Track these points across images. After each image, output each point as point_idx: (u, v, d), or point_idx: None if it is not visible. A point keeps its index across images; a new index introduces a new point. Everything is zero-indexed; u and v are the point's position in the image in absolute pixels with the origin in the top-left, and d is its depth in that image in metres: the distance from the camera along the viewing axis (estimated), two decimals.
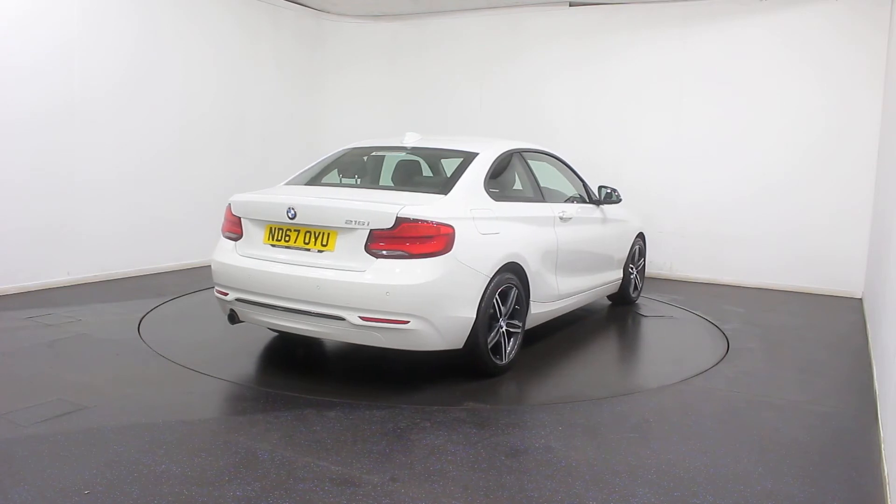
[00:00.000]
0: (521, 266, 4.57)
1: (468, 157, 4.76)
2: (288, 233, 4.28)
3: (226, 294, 4.49)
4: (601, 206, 5.98)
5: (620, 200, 6.15)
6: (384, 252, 4.00)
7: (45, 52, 6.42)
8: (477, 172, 4.65)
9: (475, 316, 4.18)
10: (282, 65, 9.19)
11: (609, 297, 6.66)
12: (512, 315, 4.57)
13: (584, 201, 5.83)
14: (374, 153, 5.40)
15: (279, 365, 4.83)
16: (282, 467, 3.11)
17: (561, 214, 5.23)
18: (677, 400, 4.31)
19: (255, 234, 4.41)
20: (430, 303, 3.98)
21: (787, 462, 3.37)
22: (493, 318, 4.38)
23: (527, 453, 3.36)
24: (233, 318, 4.56)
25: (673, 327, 6.14)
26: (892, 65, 6.55)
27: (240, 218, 4.50)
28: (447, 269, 4.02)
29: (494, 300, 4.33)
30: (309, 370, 4.77)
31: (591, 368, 5.06)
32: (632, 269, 6.69)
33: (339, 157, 5.33)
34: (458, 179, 4.56)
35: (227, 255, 4.49)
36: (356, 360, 4.84)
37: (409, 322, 3.95)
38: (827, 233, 7.70)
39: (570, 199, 5.71)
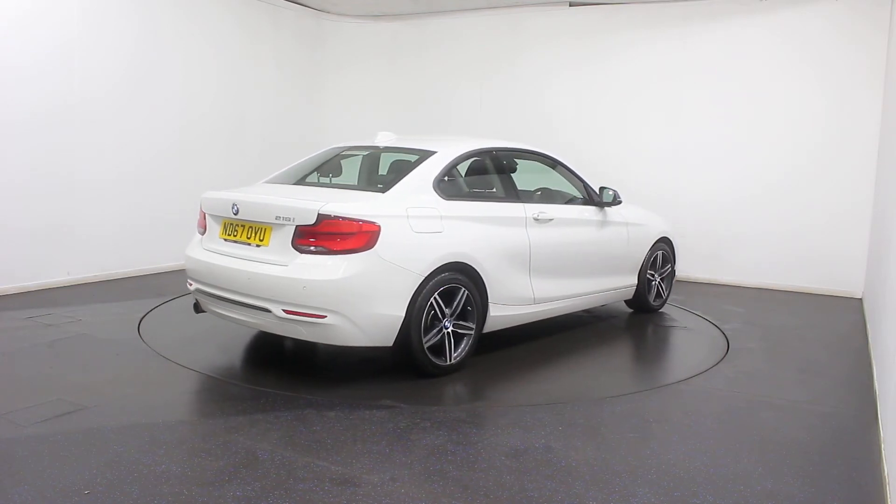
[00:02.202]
0: (471, 266, 4.51)
1: (423, 156, 4.77)
2: (236, 228, 4.48)
3: (191, 285, 4.75)
4: (605, 208, 5.78)
5: (620, 202, 5.91)
6: (307, 247, 4.09)
7: (44, 52, 6.41)
8: (426, 171, 4.64)
9: (404, 314, 4.16)
10: (282, 65, 9.19)
11: (628, 304, 6.45)
12: (464, 316, 4.53)
13: (584, 203, 5.70)
14: (348, 153, 5.43)
15: (279, 365, 4.83)
16: (282, 467, 3.11)
17: (536, 216, 5.07)
18: (677, 400, 4.31)
19: (214, 229, 4.66)
20: (347, 299, 4.00)
21: (787, 462, 3.37)
22: (437, 318, 4.36)
23: (527, 453, 3.36)
24: (196, 307, 4.85)
25: (673, 328, 6.13)
26: (892, 65, 6.55)
27: (205, 214, 4.75)
28: (367, 266, 4.03)
29: (433, 300, 4.29)
30: (309, 370, 4.77)
31: (590, 369, 5.05)
32: (652, 275, 6.36)
33: (318, 157, 5.41)
34: (402, 178, 4.59)
35: (194, 249, 4.74)
36: (355, 360, 4.83)
37: (326, 317, 4.01)
38: (827, 233, 7.70)
39: (571, 201, 5.65)
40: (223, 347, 5.07)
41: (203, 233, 4.77)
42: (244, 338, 5.23)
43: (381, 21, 9.82)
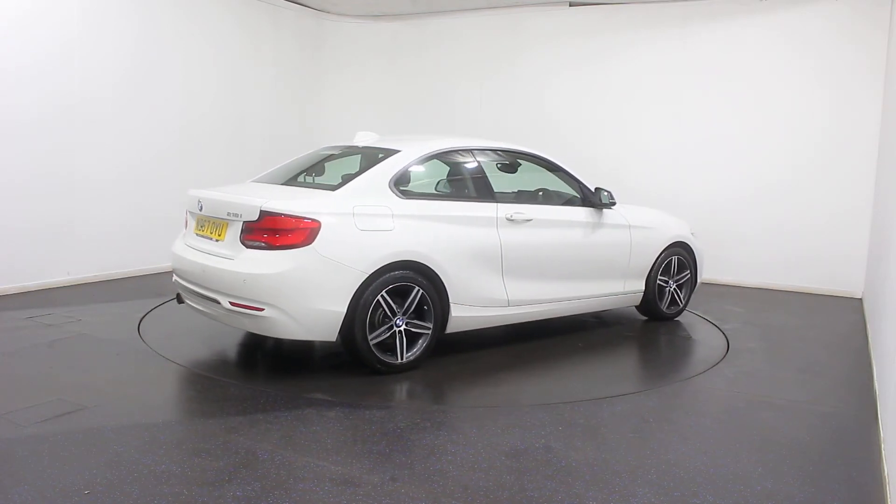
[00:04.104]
0: (426, 265, 4.48)
1: (386, 156, 4.81)
2: (204, 224, 4.68)
3: (174, 277, 4.98)
4: (603, 209, 5.59)
5: (614, 203, 5.69)
6: (252, 242, 4.25)
7: (45, 52, 6.41)
8: (383, 170, 4.67)
9: (345, 310, 4.20)
10: (282, 65, 9.19)
11: (640, 311, 6.19)
12: (422, 315, 4.53)
13: (580, 204, 5.54)
14: (329, 153, 5.43)
15: (279, 365, 4.84)
16: (282, 467, 3.11)
17: (510, 216, 4.96)
18: (677, 400, 4.32)
19: (191, 225, 4.87)
20: (283, 293, 4.11)
21: (787, 462, 3.37)
22: (388, 316, 4.38)
23: (527, 453, 3.36)
24: (178, 298, 4.99)
25: (673, 327, 6.11)
26: (892, 65, 6.55)
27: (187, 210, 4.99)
28: (305, 262, 4.12)
29: (381, 298, 4.31)
30: (309, 370, 4.76)
31: (591, 370, 5.05)
32: (665, 281, 6.06)
33: (305, 158, 5.46)
34: (356, 177, 4.65)
35: (176, 243, 4.97)
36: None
37: (264, 310, 4.14)
38: (827, 233, 7.70)
39: (571, 202, 5.54)
40: (223, 347, 5.07)
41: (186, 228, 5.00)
42: (244, 338, 5.23)
43: (381, 21, 9.83)
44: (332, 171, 5.33)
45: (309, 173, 5.21)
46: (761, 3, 7.83)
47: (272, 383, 4.28)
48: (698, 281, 6.42)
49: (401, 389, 4.27)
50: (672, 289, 6.17)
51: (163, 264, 7.59)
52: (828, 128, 7.64)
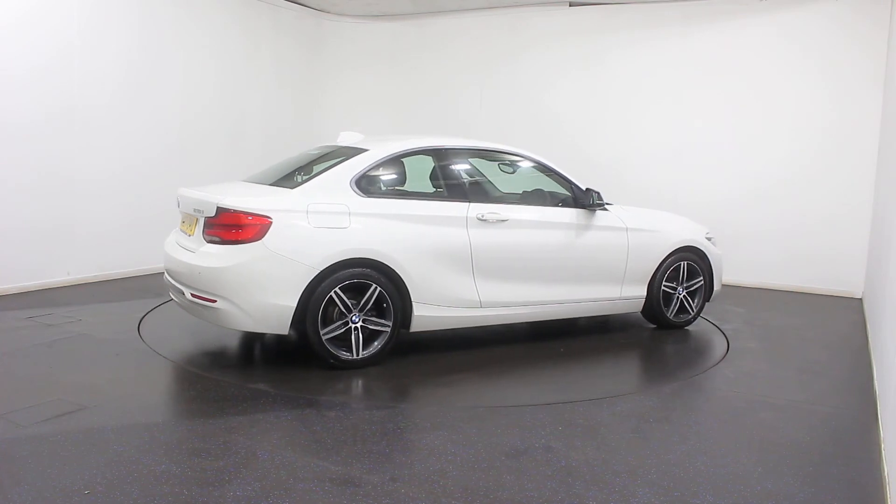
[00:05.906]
0: (385, 264, 4.49)
1: (351, 155, 4.86)
2: (185, 220, 4.89)
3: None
4: (597, 211, 5.42)
5: (602, 203, 5.42)
6: (211, 237, 4.44)
7: (45, 53, 6.41)
8: (345, 169, 4.73)
9: (295, 305, 4.29)
10: (281, 65, 9.19)
11: (646, 318, 5.97)
12: (381, 313, 4.55)
13: (570, 206, 5.40)
14: (319, 153, 5.41)
15: (279, 365, 4.83)
16: (282, 467, 3.11)
17: (481, 216, 4.89)
18: (677, 400, 4.32)
19: (179, 222, 5.07)
20: (233, 286, 4.27)
21: (787, 462, 3.37)
22: (344, 312, 4.43)
23: (527, 453, 3.36)
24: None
25: (677, 335, 6.10)
26: (892, 64, 6.56)
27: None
28: (254, 257, 4.25)
29: (334, 294, 4.36)
30: (310, 371, 4.76)
31: (591, 370, 5.05)
32: (673, 287, 5.81)
33: (294, 158, 5.51)
34: (316, 176, 4.75)
35: (167, 239, 5.13)
36: None
37: (216, 302, 4.32)
38: (827, 232, 7.70)
39: (565, 203, 5.41)
40: (223, 347, 5.07)
41: None
42: (243, 338, 5.23)
43: (380, 21, 9.83)
44: (318, 171, 5.34)
45: (298, 173, 5.21)
46: (761, 3, 7.84)
47: (273, 383, 4.27)
48: (715, 288, 6.06)
49: (401, 391, 4.27)
50: (681, 296, 5.88)
51: (162, 264, 7.59)
52: (828, 127, 7.65)
